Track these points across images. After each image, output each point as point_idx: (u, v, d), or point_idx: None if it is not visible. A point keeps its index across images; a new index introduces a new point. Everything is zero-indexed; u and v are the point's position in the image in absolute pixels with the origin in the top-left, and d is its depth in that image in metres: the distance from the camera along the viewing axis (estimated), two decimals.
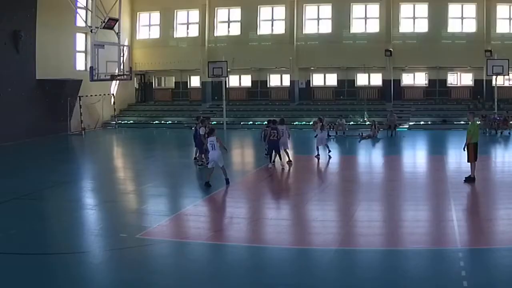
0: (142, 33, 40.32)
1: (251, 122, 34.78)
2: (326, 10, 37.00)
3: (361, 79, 37.48)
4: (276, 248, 11.04)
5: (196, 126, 21.31)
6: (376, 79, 37.28)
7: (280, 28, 37.77)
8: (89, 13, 31.48)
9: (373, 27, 36.34)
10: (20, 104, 29.42)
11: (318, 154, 21.87)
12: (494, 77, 31.98)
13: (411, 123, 33.55)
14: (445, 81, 36.68)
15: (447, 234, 11.43)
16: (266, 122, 21.98)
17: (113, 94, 37.77)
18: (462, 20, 35.19)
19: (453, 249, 10.31)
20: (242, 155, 26.32)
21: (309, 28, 37.48)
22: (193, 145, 21.34)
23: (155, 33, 39.95)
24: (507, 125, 29.61)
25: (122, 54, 30.64)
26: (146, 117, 38.59)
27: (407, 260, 10.06)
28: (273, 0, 37.66)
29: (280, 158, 20.14)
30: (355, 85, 37.71)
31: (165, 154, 25.75)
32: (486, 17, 34.13)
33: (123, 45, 31.95)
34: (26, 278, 9.34)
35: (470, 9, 34.95)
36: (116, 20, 29.63)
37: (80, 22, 32.88)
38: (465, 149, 16.36)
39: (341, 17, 36.43)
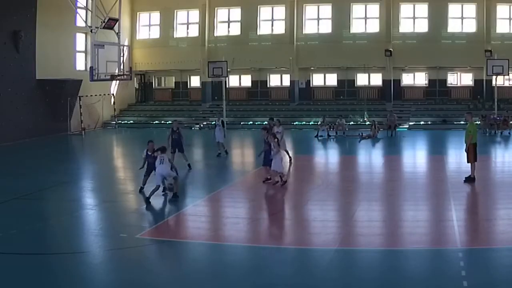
0: (142, 33, 40.31)
1: (251, 122, 34.76)
2: (326, 10, 37.00)
3: (361, 79, 37.47)
4: (276, 248, 11.04)
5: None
6: (376, 79, 37.28)
7: (280, 28, 37.76)
8: (89, 13, 31.46)
9: (373, 27, 36.33)
10: (20, 104, 29.41)
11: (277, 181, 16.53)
12: (494, 77, 31.95)
13: (411, 123, 33.54)
14: (445, 81, 36.68)
15: (447, 234, 11.43)
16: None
17: (113, 94, 37.77)
18: (462, 20, 35.18)
19: (453, 249, 10.32)
20: (242, 155, 26.34)
21: (309, 28, 37.47)
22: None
23: (155, 33, 39.94)
24: (507, 125, 29.59)
25: (122, 54, 30.62)
26: (146, 117, 38.58)
27: (407, 260, 10.06)
28: (273, 0, 37.65)
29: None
30: (355, 85, 37.71)
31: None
32: (486, 17, 34.12)
33: (123, 45, 31.92)
34: (26, 278, 9.34)
35: (470, 9, 34.95)
36: (116, 20, 29.61)
37: (80, 22, 32.88)
38: (466, 150, 16.37)
39: (341, 17, 36.43)
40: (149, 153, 16.02)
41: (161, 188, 15.14)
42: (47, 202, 15.83)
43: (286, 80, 38.58)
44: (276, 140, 16.32)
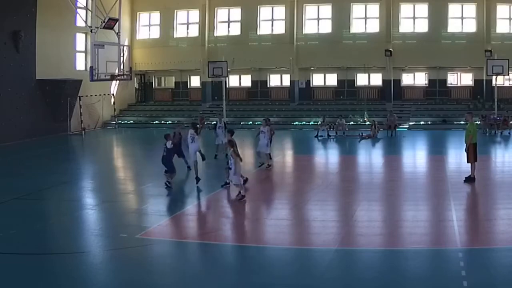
0: (142, 33, 40.32)
1: (251, 122, 34.72)
2: (326, 10, 37.00)
3: (361, 79, 37.47)
4: (276, 248, 11.03)
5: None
6: (376, 79, 37.27)
7: (280, 28, 37.76)
8: (89, 13, 31.48)
9: (373, 27, 36.33)
10: (20, 104, 29.41)
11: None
12: (494, 77, 31.96)
13: (411, 123, 33.53)
14: (445, 81, 36.67)
15: (447, 234, 11.44)
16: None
17: (113, 94, 37.77)
18: (462, 20, 35.18)
19: (453, 249, 10.32)
20: (242, 155, 26.25)
21: (309, 28, 37.46)
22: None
23: (155, 33, 39.96)
24: (507, 125, 29.59)
25: (122, 54, 30.64)
26: (146, 117, 38.58)
27: (407, 260, 10.06)
28: (273, 0, 37.65)
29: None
30: (355, 85, 37.70)
31: None
32: (486, 17, 34.12)
33: (123, 45, 31.93)
34: (26, 278, 9.35)
35: (470, 9, 34.95)
36: (116, 20, 29.62)
37: (80, 22, 32.89)
38: (467, 150, 16.36)
39: (341, 17, 36.43)
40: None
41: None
42: (47, 202, 15.82)
43: (286, 80, 38.57)
44: (233, 149, 15.12)
